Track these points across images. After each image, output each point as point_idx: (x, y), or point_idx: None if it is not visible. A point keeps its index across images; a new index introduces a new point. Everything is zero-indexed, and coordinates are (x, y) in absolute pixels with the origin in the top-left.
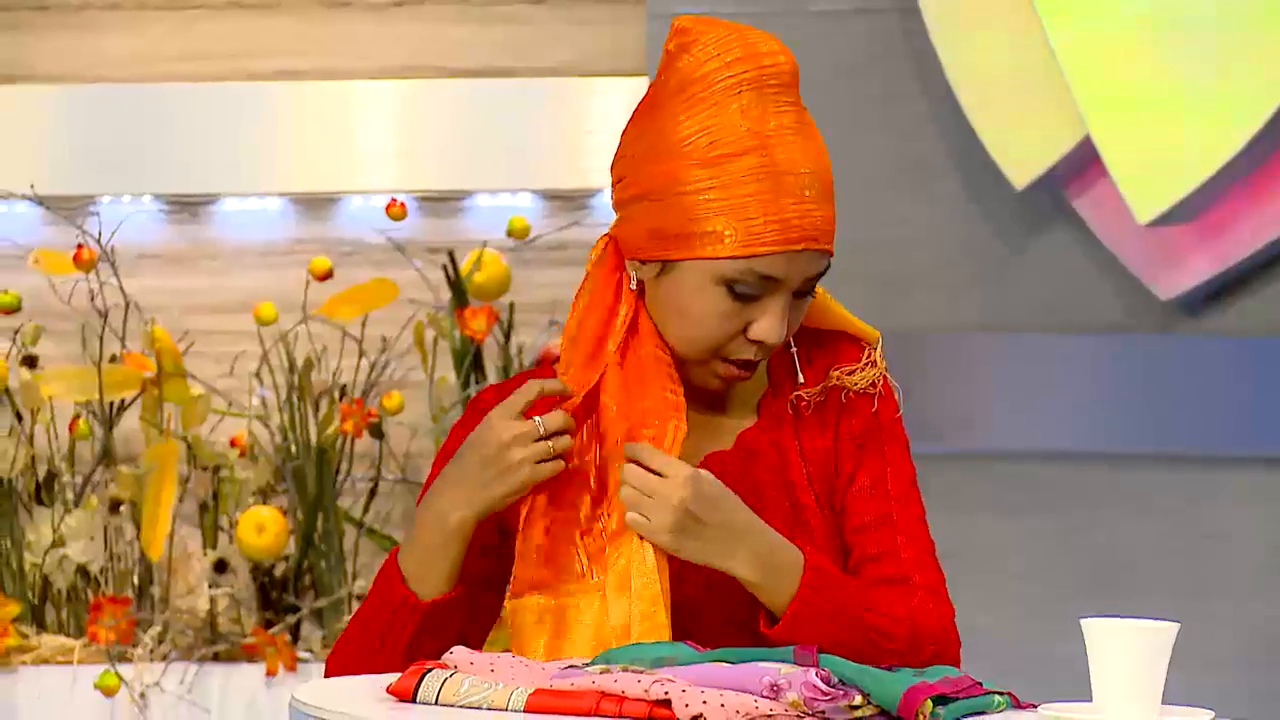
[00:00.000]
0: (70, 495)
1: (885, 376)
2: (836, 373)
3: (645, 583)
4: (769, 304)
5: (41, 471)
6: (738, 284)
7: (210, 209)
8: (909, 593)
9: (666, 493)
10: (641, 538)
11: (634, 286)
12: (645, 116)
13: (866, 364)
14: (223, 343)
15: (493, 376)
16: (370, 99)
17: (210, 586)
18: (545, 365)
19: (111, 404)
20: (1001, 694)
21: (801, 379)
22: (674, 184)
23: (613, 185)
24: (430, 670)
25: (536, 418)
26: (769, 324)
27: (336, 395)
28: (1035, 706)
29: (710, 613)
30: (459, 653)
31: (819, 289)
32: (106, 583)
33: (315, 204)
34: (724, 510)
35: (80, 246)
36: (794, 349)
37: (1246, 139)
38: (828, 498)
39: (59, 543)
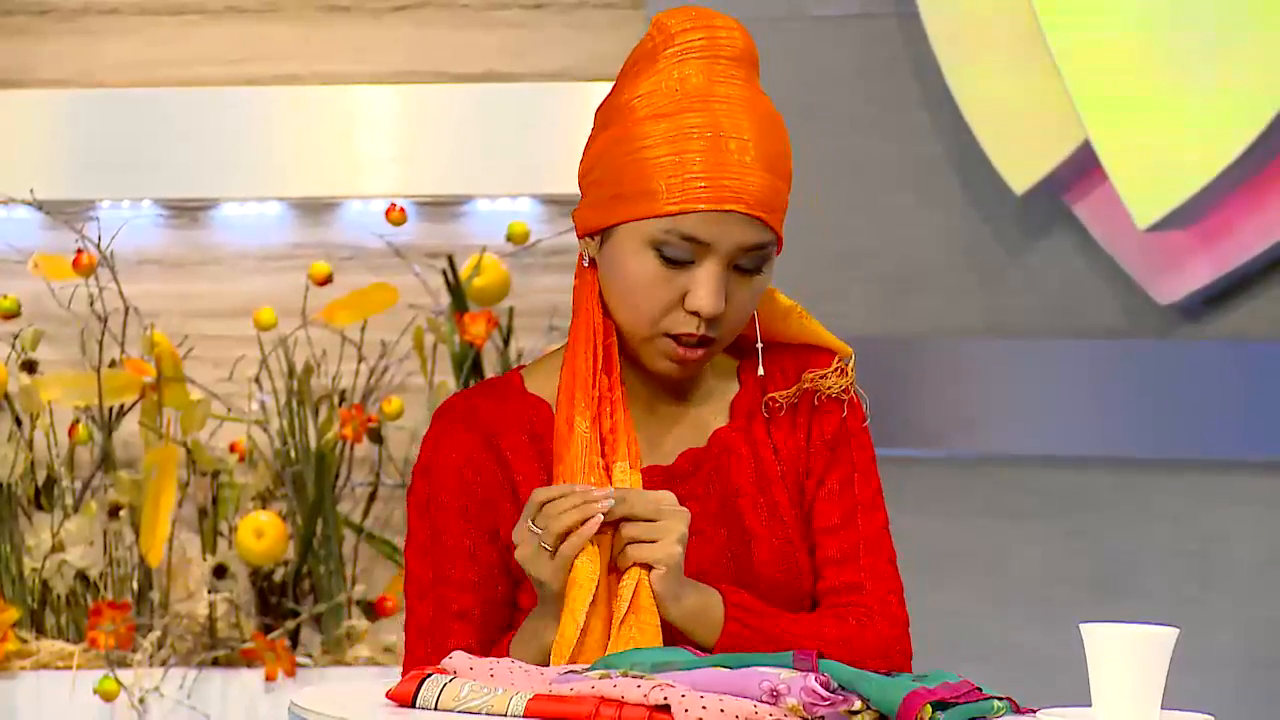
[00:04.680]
0: (69, 500)
1: (854, 386)
2: (810, 375)
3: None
4: (701, 272)
5: (41, 476)
6: (665, 246)
7: (209, 214)
8: (850, 611)
9: (678, 516)
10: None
11: (586, 264)
12: (602, 102)
13: (838, 369)
14: (222, 348)
15: None
16: (369, 104)
17: (209, 591)
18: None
19: (111, 409)
20: (1001, 699)
21: (761, 371)
22: (612, 146)
23: (579, 181)
24: (429, 675)
25: (530, 524)
26: (702, 293)
27: (336, 400)
28: (1035, 711)
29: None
30: (458, 658)
31: (792, 304)
32: (106, 588)
33: (314, 209)
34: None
35: (80, 251)
36: (759, 344)
37: (1246, 144)
38: (799, 496)
39: (58, 548)
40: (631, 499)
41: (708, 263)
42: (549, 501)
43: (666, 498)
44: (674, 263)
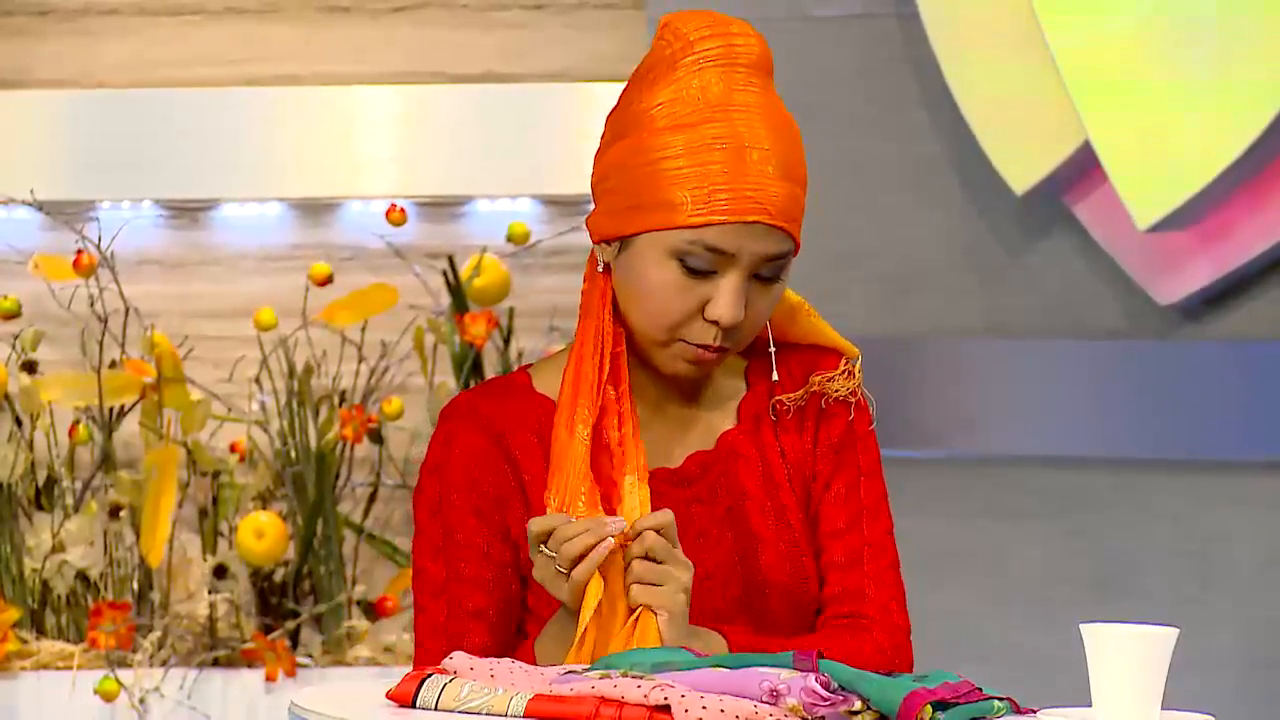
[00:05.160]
0: (70, 500)
1: (861, 389)
2: (817, 378)
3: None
4: (724, 282)
5: (41, 477)
6: (688, 257)
7: (210, 214)
8: (850, 623)
9: (684, 566)
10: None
11: (601, 269)
12: (616, 107)
13: (845, 372)
14: (222, 348)
15: None
16: (370, 104)
17: (210, 592)
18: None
19: (111, 409)
20: (1001, 699)
21: (775, 376)
22: (630, 156)
23: (591, 187)
24: (430, 675)
25: (543, 548)
26: (723, 302)
27: (336, 400)
28: (1035, 711)
29: None
30: (459, 658)
31: (799, 301)
32: (106, 588)
33: (315, 209)
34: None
35: (80, 252)
36: (772, 349)
37: (1247, 144)
38: (806, 499)
39: (59, 548)
40: (647, 541)
41: (730, 274)
42: (550, 530)
43: (674, 550)
44: (696, 272)
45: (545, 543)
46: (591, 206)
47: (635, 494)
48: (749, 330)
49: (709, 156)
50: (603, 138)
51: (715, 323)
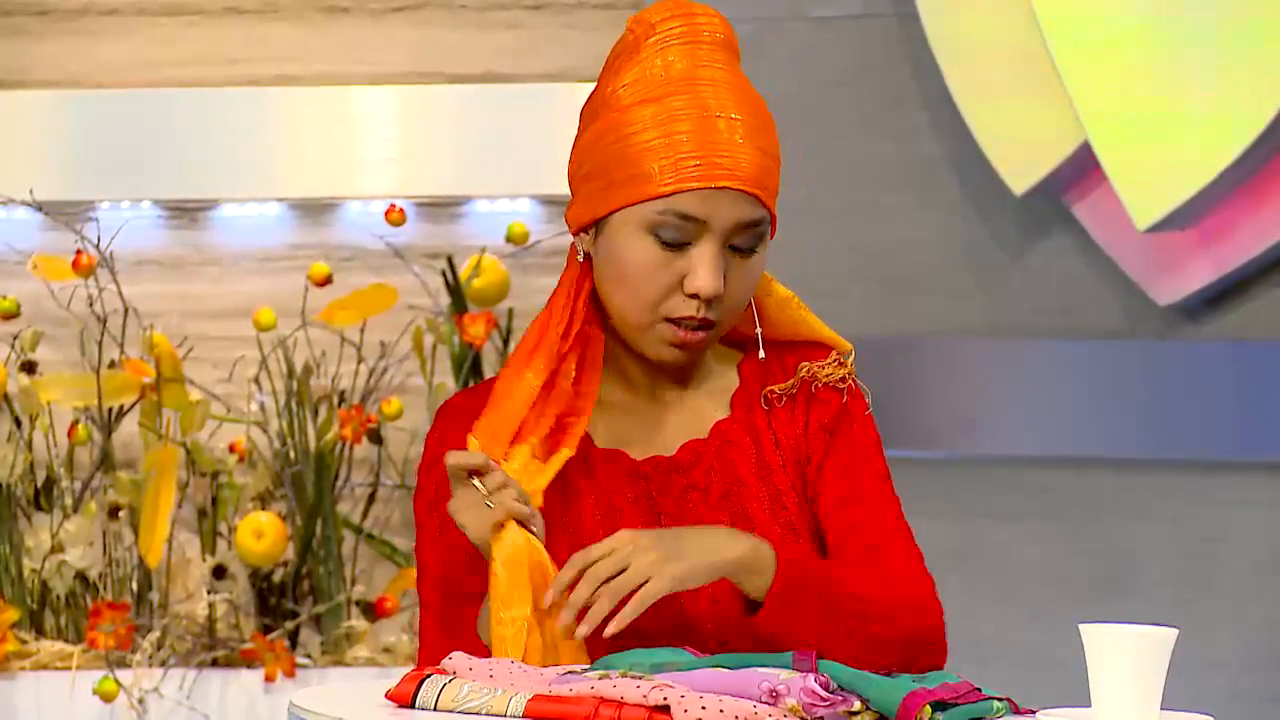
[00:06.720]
0: (69, 501)
1: (853, 377)
2: (806, 365)
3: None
4: (698, 251)
5: (40, 477)
6: (662, 229)
7: (209, 214)
8: (884, 562)
9: (624, 548)
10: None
11: (581, 259)
12: (586, 100)
13: (835, 361)
14: (222, 348)
15: None
16: (369, 104)
17: (209, 592)
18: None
19: (110, 409)
20: (1000, 699)
21: (762, 353)
22: (600, 137)
23: (569, 181)
24: (429, 675)
25: (476, 481)
26: (701, 272)
27: (335, 401)
28: (1035, 711)
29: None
30: (458, 658)
31: (790, 294)
32: (105, 588)
33: (314, 209)
34: (667, 532)
35: (79, 252)
36: (758, 329)
37: (1246, 144)
38: (801, 484)
39: (57, 548)
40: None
41: (704, 242)
42: (471, 466)
43: (605, 545)
44: (671, 245)
45: (480, 477)
46: None
47: (551, 469)
48: (730, 306)
49: (676, 126)
50: (577, 132)
51: (695, 295)
